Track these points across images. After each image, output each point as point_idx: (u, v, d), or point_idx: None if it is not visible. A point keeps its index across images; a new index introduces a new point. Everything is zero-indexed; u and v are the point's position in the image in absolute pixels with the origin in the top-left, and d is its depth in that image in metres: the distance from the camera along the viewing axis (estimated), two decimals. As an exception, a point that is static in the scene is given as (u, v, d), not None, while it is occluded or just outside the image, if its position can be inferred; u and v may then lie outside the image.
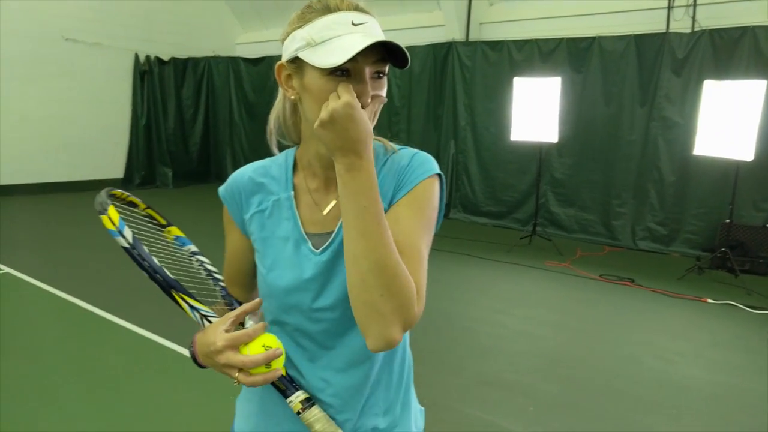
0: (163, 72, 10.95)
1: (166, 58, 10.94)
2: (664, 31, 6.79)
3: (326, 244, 0.96)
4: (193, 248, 1.16)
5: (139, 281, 4.86)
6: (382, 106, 0.94)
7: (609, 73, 7.07)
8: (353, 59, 0.84)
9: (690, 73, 6.48)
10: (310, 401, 0.97)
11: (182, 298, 0.98)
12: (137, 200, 1.11)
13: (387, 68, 0.92)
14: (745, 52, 6.11)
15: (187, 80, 11.27)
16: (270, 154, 1.08)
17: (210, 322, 0.98)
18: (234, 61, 11.15)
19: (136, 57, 10.64)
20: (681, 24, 6.75)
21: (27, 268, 5.22)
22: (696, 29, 6.59)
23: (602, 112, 7.16)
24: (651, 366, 3.69)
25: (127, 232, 0.97)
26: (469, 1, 8.37)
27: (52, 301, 4.50)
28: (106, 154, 10.43)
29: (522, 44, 7.68)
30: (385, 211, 0.93)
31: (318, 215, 0.99)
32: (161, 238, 1.15)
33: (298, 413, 0.96)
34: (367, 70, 0.88)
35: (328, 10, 0.88)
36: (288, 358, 1.00)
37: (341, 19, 0.87)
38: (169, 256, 1.12)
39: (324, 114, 0.83)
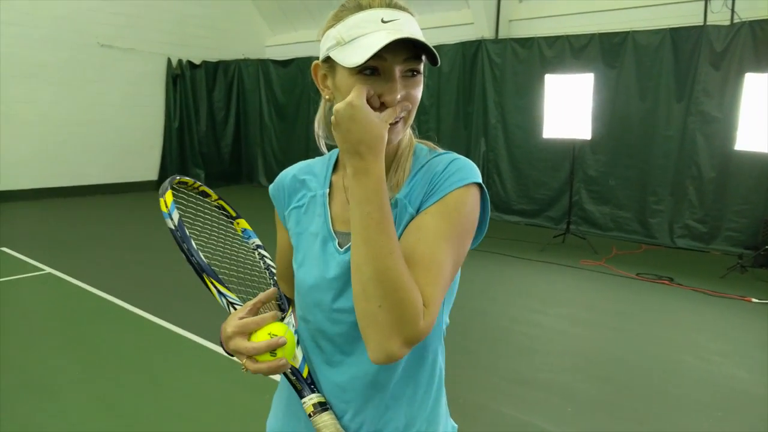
0: (194, 75, 11.15)
1: (197, 61, 11.14)
2: (702, 24, 6.61)
3: (350, 244, 0.94)
4: (258, 242, 1.17)
5: (175, 280, 4.95)
6: (413, 107, 0.90)
7: (644, 68, 6.91)
8: (381, 57, 0.82)
9: (729, 66, 6.30)
10: (323, 405, 0.95)
11: (212, 283, 0.98)
12: (209, 191, 1.13)
13: (422, 66, 0.89)
14: (788, 43, 5.91)
15: (218, 83, 11.44)
16: (300, 154, 1.08)
17: (235, 309, 0.98)
18: (263, 64, 11.28)
19: (169, 61, 10.85)
20: (719, 16, 6.57)
21: (67, 268, 5.36)
22: (735, 21, 6.39)
23: (637, 108, 7.00)
24: (693, 366, 3.58)
25: (175, 215, 0.98)
26: (499, -2, 8.30)
27: (92, 300, 4.61)
28: (141, 156, 10.67)
29: (553, 40, 7.57)
30: (412, 218, 0.91)
31: (348, 213, 0.97)
32: (230, 228, 1.17)
33: (310, 416, 0.95)
34: (398, 69, 0.85)
35: (359, 7, 0.87)
36: (308, 360, 0.99)
37: (371, 16, 0.85)
38: (234, 247, 1.14)
39: (332, 116, 0.82)
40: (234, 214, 1.18)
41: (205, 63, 11.21)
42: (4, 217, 7.74)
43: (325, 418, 0.93)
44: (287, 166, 1.11)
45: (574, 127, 6.50)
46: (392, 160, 0.97)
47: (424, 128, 8.79)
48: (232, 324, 0.90)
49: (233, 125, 11.68)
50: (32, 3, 8.96)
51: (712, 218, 6.58)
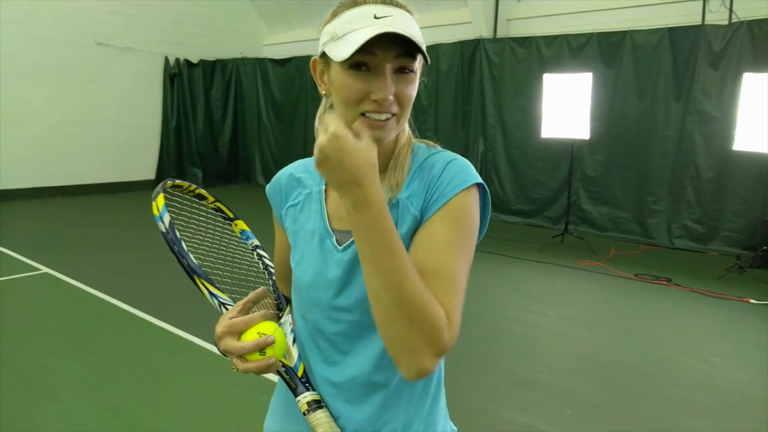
0: (192, 74, 11.11)
1: (194, 60, 11.10)
2: (700, 23, 6.61)
3: (348, 242, 0.94)
4: (256, 242, 1.18)
5: (173, 281, 4.92)
6: (406, 111, 0.89)
7: (642, 67, 6.91)
8: (371, 53, 0.83)
9: (728, 66, 6.30)
10: (318, 403, 0.94)
11: (203, 284, 0.99)
12: (205, 193, 1.14)
13: (415, 64, 0.88)
14: (787, 43, 5.91)
15: (215, 82, 11.41)
16: (298, 153, 1.08)
17: (227, 309, 0.98)
18: (261, 62, 11.25)
19: (166, 60, 10.81)
20: (717, 16, 6.56)
21: (64, 268, 5.34)
22: (733, 21, 6.39)
23: (635, 108, 7.00)
24: (692, 368, 3.58)
25: (166, 218, 0.98)
26: (497, -3, 8.29)
27: (89, 300, 4.59)
28: (139, 155, 10.63)
29: (551, 40, 7.56)
30: (415, 220, 0.90)
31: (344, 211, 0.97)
32: (228, 230, 1.17)
33: (304, 414, 0.94)
34: (389, 66, 0.85)
35: (355, 4, 0.87)
36: (306, 359, 0.99)
37: (364, 12, 0.85)
38: (231, 248, 1.15)
39: (315, 152, 0.79)
40: (232, 216, 1.18)
41: (202, 62, 11.17)
42: (0, 216, 7.71)
43: (320, 416, 0.93)
44: (285, 166, 1.11)
45: (572, 127, 6.49)
46: (389, 159, 0.96)
47: (422, 128, 8.76)
48: (222, 324, 0.91)
49: (231, 124, 11.65)
50: (30, 2, 8.92)
51: (710, 219, 6.58)
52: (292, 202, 1.03)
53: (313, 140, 1.04)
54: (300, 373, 0.97)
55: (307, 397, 0.94)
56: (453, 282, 0.85)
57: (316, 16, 10.39)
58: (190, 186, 1.10)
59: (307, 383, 0.97)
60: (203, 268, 1.00)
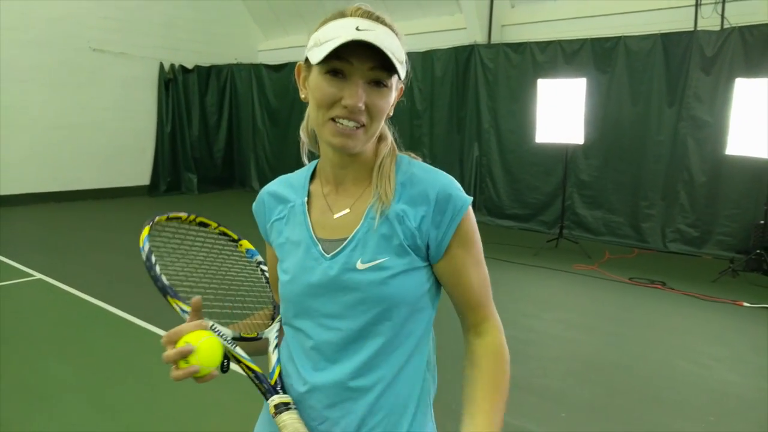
0: (187, 80, 11.11)
1: (189, 66, 11.10)
2: (692, 29, 6.66)
3: (337, 251, 0.95)
4: (260, 258, 1.23)
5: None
6: (376, 123, 0.92)
7: (635, 72, 6.96)
8: (348, 61, 0.86)
9: (720, 71, 6.35)
10: (286, 406, 0.95)
11: (175, 302, 1.02)
12: (208, 220, 1.18)
13: (391, 80, 0.91)
14: (778, 48, 5.96)
15: (210, 87, 11.41)
16: (293, 158, 1.12)
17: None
18: (256, 68, 11.26)
19: (161, 66, 10.81)
20: (709, 22, 6.62)
21: (58, 274, 5.31)
22: (725, 26, 6.45)
23: (629, 113, 7.04)
24: (687, 371, 3.59)
25: (146, 248, 1.02)
26: (491, 3, 8.33)
27: (83, 306, 4.56)
28: (133, 161, 10.60)
29: (545, 45, 7.61)
30: (414, 236, 0.94)
31: (329, 219, 0.99)
32: (235, 251, 1.22)
33: (273, 416, 0.96)
34: (363, 76, 0.88)
35: (341, 15, 0.91)
36: (295, 366, 1.01)
37: (348, 23, 0.88)
38: (239, 266, 1.20)
39: None
40: (236, 237, 1.23)
41: (197, 67, 11.17)
42: (-7, 222, 7.67)
43: (284, 418, 0.94)
44: (280, 171, 1.14)
45: (566, 132, 6.52)
46: (372, 169, 0.99)
47: (417, 133, 8.85)
48: (164, 335, 0.95)
49: (226, 130, 11.64)
50: (25, 7, 8.91)
51: (703, 222, 6.61)
52: (276, 217, 1.05)
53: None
54: (274, 378, 0.99)
55: (274, 400, 0.96)
56: (486, 292, 1.02)
57: (311, 21, 10.32)
58: (189, 216, 1.14)
59: (276, 387, 0.98)
60: (208, 288, 1.07)
